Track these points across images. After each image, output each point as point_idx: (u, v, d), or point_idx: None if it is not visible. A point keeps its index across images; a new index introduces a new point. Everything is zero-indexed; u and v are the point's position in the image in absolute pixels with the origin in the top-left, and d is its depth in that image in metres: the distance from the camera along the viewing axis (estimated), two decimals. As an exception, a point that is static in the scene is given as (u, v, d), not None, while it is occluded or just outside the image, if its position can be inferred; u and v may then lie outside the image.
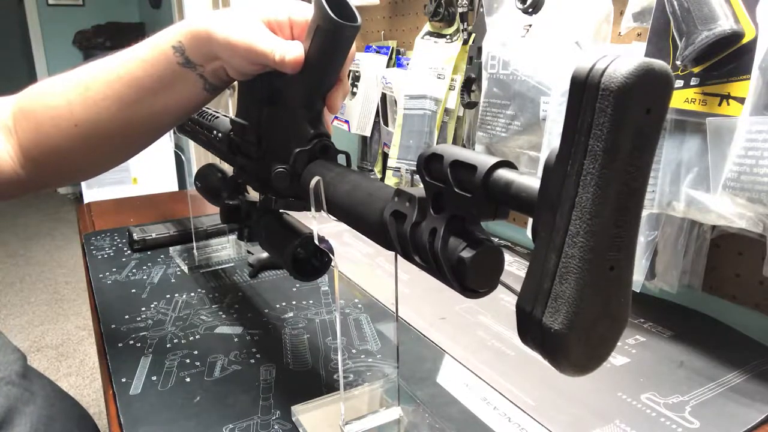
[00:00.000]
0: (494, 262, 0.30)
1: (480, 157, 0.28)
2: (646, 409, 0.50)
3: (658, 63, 0.20)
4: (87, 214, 1.10)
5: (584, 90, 0.21)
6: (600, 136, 0.20)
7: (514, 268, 0.81)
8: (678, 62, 0.53)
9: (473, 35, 0.86)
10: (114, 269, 0.80)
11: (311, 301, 0.71)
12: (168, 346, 0.60)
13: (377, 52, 1.13)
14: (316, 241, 0.43)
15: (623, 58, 0.20)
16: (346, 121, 1.17)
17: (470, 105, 0.87)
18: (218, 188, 0.65)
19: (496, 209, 0.28)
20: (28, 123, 0.50)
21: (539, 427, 0.48)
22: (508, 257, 0.84)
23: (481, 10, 0.81)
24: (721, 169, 0.51)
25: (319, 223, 0.42)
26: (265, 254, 0.81)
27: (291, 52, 0.42)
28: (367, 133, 1.13)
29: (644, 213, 0.59)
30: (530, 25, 0.73)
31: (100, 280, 0.76)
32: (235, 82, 0.50)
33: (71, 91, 0.48)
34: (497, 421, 0.48)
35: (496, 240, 0.93)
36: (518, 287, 0.26)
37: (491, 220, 0.29)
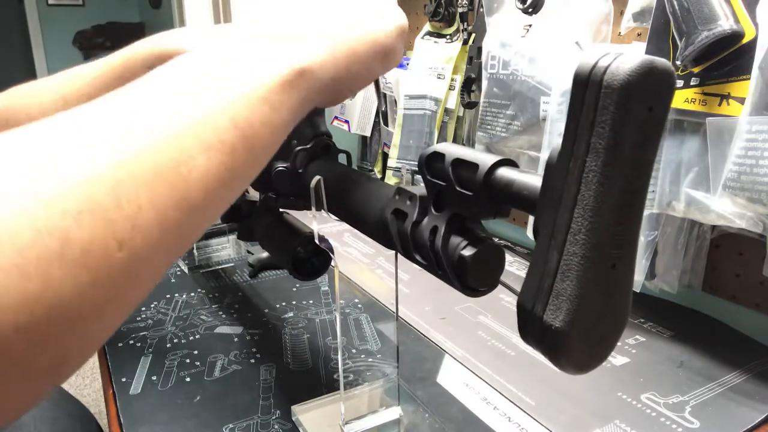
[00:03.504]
0: (495, 261, 0.30)
1: (481, 156, 0.28)
2: (646, 409, 0.50)
3: (661, 61, 0.20)
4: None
5: (587, 87, 0.21)
6: (602, 134, 0.20)
7: (515, 268, 0.81)
8: (678, 62, 0.53)
9: (473, 35, 0.87)
10: (114, 269, 0.80)
11: (311, 301, 0.71)
12: (168, 346, 0.60)
13: (377, 52, 1.12)
14: (316, 241, 0.43)
15: (626, 56, 0.20)
16: (346, 121, 1.17)
17: (470, 105, 0.87)
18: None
19: (498, 208, 0.28)
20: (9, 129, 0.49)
21: (539, 427, 0.47)
22: (508, 257, 0.84)
23: (481, 10, 0.81)
24: (721, 169, 0.51)
25: (319, 223, 0.42)
26: (265, 254, 0.81)
27: None
28: (367, 133, 1.13)
29: (644, 213, 0.59)
30: (530, 25, 0.73)
31: (100, 280, 0.76)
32: None
33: (49, 102, 0.47)
34: (497, 421, 0.48)
35: (497, 240, 0.93)
36: (518, 287, 0.25)
37: (492, 218, 0.29)
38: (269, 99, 0.26)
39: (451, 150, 0.29)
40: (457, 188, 0.28)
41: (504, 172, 0.26)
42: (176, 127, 0.22)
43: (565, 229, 0.22)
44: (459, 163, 0.28)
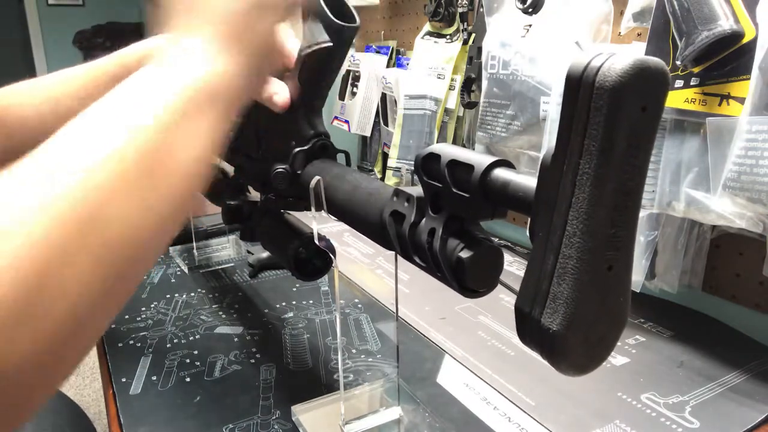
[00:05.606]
0: (493, 262, 0.30)
1: (477, 157, 0.27)
2: (646, 409, 0.50)
3: (653, 60, 0.20)
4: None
5: (579, 88, 0.20)
6: (595, 135, 0.20)
7: (515, 268, 0.81)
8: (678, 62, 0.53)
9: (473, 35, 0.86)
10: (114, 269, 0.80)
11: (311, 301, 0.71)
12: (168, 346, 0.60)
13: (377, 52, 1.12)
14: (316, 241, 0.43)
15: (618, 56, 0.20)
16: (346, 121, 1.17)
17: (470, 105, 0.87)
18: (219, 188, 0.65)
19: (494, 209, 0.28)
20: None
21: (539, 427, 0.47)
22: (508, 257, 0.84)
23: (481, 10, 0.81)
24: (721, 169, 0.51)
25: (319, 223, 0.42)
26: (265, 254, 0.81)
27: (279, 94, 0.42)
28: (367, 133, 1.13)
29: (644, 213, 0.59)
30: (530, 25, 0.73)
31: (101, 280, 0.76)
32: None
33: (42, 103, 0.47)
34: (497, 421, 0.48)
35: (497, 240, 0.93)
36: (518, 287, 0.25)
37: (490, 219, 0.29)
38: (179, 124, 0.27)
39: (447, 151, 0.29)
40: (454, 190, 0.28)
41: (500, 174, 0.26)
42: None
43: (560, 232, 0.22)
44: (455, 164, 0.28)
